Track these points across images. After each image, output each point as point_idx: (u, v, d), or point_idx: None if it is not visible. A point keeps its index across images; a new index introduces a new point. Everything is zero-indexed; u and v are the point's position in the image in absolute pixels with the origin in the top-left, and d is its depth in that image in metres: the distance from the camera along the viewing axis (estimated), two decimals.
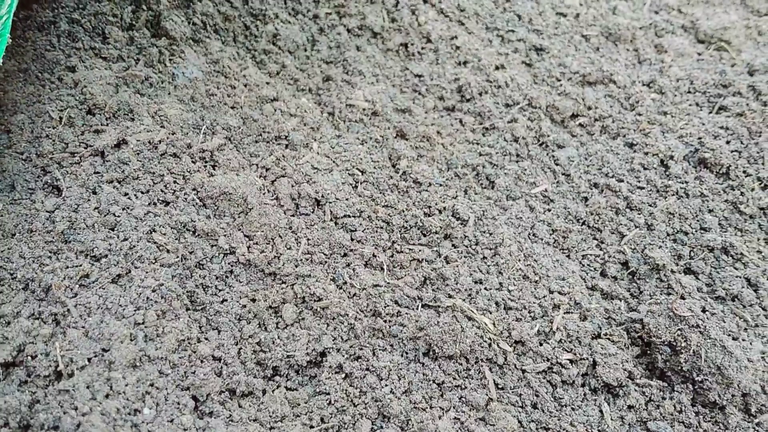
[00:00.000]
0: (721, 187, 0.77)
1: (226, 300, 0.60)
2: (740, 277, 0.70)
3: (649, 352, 0.62)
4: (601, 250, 0.71)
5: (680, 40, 0.98)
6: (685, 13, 1.05)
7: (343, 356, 0.58)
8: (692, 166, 0.78)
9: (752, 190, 0.76)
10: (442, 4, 0.96)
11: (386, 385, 0.56)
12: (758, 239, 0.73)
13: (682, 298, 0.67)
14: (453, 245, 0.68)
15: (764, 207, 0.75)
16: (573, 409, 0.58)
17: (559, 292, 0.66)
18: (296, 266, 0.63)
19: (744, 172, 0.78)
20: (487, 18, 0.98)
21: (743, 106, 0.85)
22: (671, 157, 0.78)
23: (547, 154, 0.79)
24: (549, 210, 0.74)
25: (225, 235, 0.63)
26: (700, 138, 0.79)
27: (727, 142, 0.79)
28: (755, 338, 0.65)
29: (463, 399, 0.57)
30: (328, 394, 0.55)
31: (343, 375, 0.57)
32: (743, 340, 0.65)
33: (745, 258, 0.71)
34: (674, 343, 0.60)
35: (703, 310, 0.66)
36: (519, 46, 0.95)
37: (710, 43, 0.99)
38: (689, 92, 0.89)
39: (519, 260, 0.67)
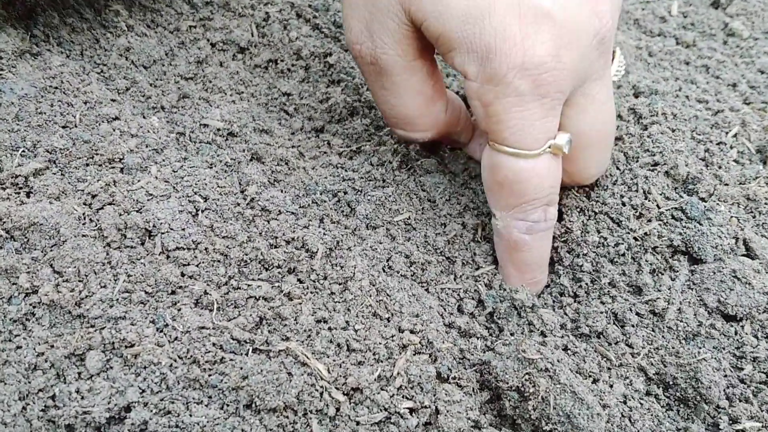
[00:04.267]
0: None
1: (20, 347, 0.53)
2: (605, 313, 0.66)
3: (498, 397, 0.57)
4: (458, 283, 0.66)
5: None
6: None
7: (150, 411, 0.51)
8: None
9: (628, 219, 0.73)
10: (317, 19, 0.91)
11: None
12: (627, 271, 0.69)
13: (543, 335, 0.63)
14: (298, 280, 0.62)
15: (638, 237, 0.71)
16: None
17: (411, 331, 0.60)
18: (110, 307, 0.56)
19: (621, 198, 0.74)
20: None
21: (622, 130, 0.82)
22: None
23: (414, 180, 0.74)
24: (409, 240, 0.69)
25: (28, 272, 0.56)
26: None
27: None
28: (617, 380, 0.61)
29: None
30: None
31: None
32: (604, 382, 0.61)
33: (612, 291, 0.68)
34: (522, 389, 0.55)
35: (565, 349, 0.62)
36: None
37: None
38: None
39: (370, 295, 0.62)
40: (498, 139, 0.60)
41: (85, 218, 0.61)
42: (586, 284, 0.68)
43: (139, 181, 0.65)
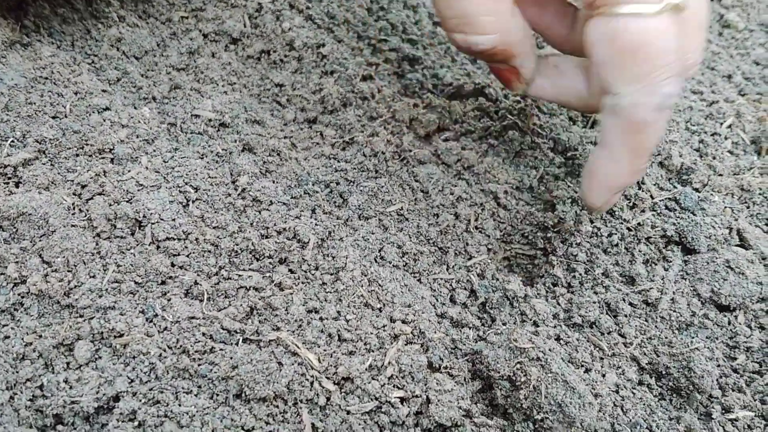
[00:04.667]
0: None
1: (8, 337, 0.52)
2: (598, 302, 0.66)
3: (490, 387, 0.57)
4: (450, 274, 0.66)
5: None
6: None
7: (139, 401, 0.51)
8: None
9: (621, 209, 0.73)
10: (311, 10, 0.91)
11: None
12: (620, 261, 0.69)
13: (535, 325, 0.63)
14: (289, 270, 0.62)
15: (632, 228, 0.71)
16: None
17: (403, 321, 0.60)
18: (99, 297, 0.55)
19: None
20: (359, 26, 0.92)
21: None
22: None
23: (407, 171, 0.74)
24: (401, 230, 0.69)
25: (16, 262, 0.56)
26: None
27: None
28: (609, 369, 0.61)
29: None
30: None
31: (136, 423, 0.50)
32: (596, 371, 0.60)
33: (605, 281, 0.67)
34: (513, 378, 0.54)
35: (558, 339, 0.62)
36: (391, 56, 0.90)
37: None
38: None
39: (362, 286, 0.62)
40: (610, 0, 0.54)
41: (74, 208, 0.60)
42: (580, 274, 0.68)
43: (129, 171, 0.65)
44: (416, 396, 0.54)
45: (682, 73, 0.56)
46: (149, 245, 0.60)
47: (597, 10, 0.55)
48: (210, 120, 0.74)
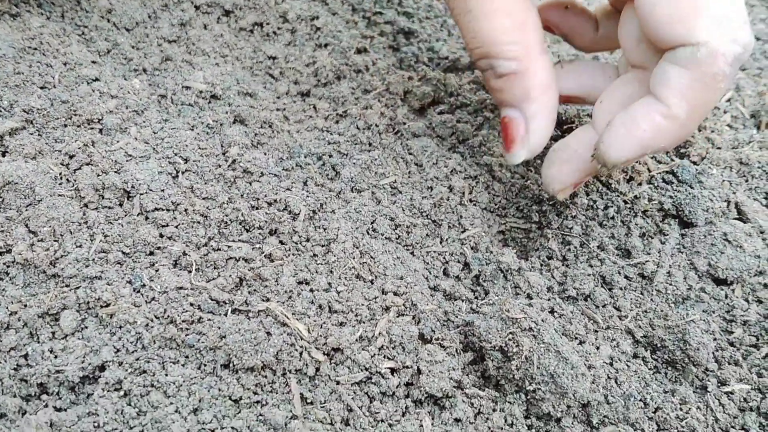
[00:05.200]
0: None
1: None
2: (593, 276, 0.65)
3: (482, 358, 0.56)
4: (443, 246, 0.65)
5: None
6: None
7: (125, 370, 0.50)
8: None
9: (618, 182, 0.72)
10: None
11: (171, 404, 0.49)
12: (616, 234, 0.68)
13: (529, 298, 0.62)
14: (280, 241, 0.61)
15: (628, 201, 0.70)
16: (390, 424, 0.52)
17: (395, 293, 0.59)
18: (86, 266, 0.54)
19: None
20: None
21: None
22: None
23: (401, 144, 0.73)
24: (395, 203, 0.68)
25: (2, 231, 0.55)
26: None
27: None
28: (603, 342, 0.60)
29: (261, 417, 0.49)
30: (98, 415, 0.47)
31: (122, 392, 0.49)
32: (590, 343, 0.59)
33: (601, 254, 0.66)
34: (505, 349, 0.54)
35: (552, 312, 0.61)
36: (386, 29, 0.88)
37: None
38: None
39: (354, 258, 0.61)
40: None
41: (61, 178, 0.59)
42: (575, 247, 0.67)
43: (118, 141, 0.64)
44: (407, 367, 0.53)
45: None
46: (137, 215, 0.59)
47: None
48: (201, 92, 0.73)
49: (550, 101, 0.61)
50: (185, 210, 0.60)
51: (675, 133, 0.57)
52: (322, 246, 0.61)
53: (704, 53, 0.53)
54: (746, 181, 0.74)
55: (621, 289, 0.64)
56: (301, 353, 0.52)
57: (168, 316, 0.53)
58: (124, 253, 0.57)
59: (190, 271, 0.57)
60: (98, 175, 0.60)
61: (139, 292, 0.54)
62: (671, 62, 0.55)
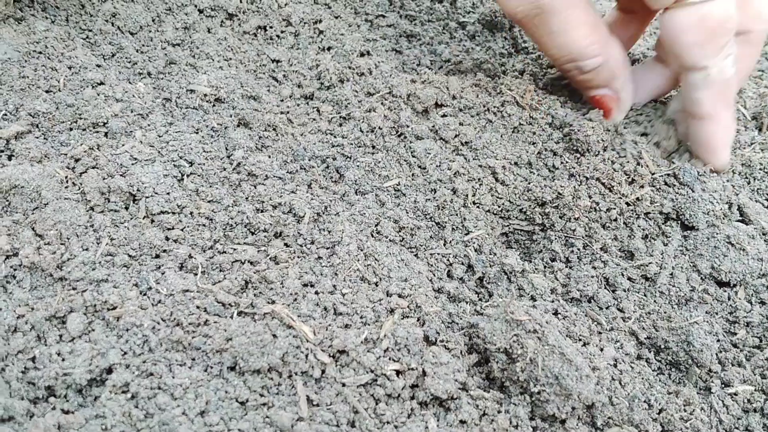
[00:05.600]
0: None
1: (0, 309, 0.52)
2: (596, 277, 0.65)
3: (486, 360, 0.56)
4: (447, 248, 0.65)
5: None
6: None
7: (132, 373, 0.50)
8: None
9: (620, 184, 0.72)
10: None
11: (178, 406, 0.49)
12: (619, 236, 0.68)
13: (533, 300, 0.62)
14: (285, 244, 0.62)
15: (631, 203, 0.70)
16: (396, 426, 0.52)
17: (399, 295, 0.59)
18: (92, 269, 0.55)
19: (612, 163, 0.73)
20: (356, 1, 0.91)
21: None
22: None
23: (405, 146, 0.73)
24: (398, 205, 0.68)
25: (9, 234, 0.55)
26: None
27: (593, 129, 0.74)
28: (608, 343, 0.61)
29: (268, 419, 0.50)
30: (105, 417, 0.47)
31: (129, 395, 0.49)
32: (595, 345, 0.60)
33: (604, 256, 0.67)
34: (510, 350, 0.54)
35: (556, 313, 0.61)
36: (388, 32, 0.89)
37: None
38: None
39: (358, 260, 0.61)
40: None
41: (67, 181, 0.60)
42: (578, 249, 0.67)
43: (123, 145, 0.64)
44: (412, 369, 0.54)
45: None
46: (143, 219, 0.60)
47: (680, 3, 0.66)
48: (205, 95, 0.73)
49: (627, 70, 0.75)
50: (191, 213, 0.61)
51: (734, 128, 0.75)
52: (327, 248, 0.61)
53: (715, 72, 0.68)
54: (748, 183, 0.74)
55: (624, 290, 0.65)
56: (306, 355, 0.53)
57: (174, 319, 0.53)
58: (130, 256, 0.57)
59: (196, 274, 0.57)
60: (104, 179, 0.61)
61: (145, 294, 0.55)
62: (692, 84, 0.71)
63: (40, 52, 0.71)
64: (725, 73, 0.68)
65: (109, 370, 0.50)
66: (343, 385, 0.52)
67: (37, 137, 0.63)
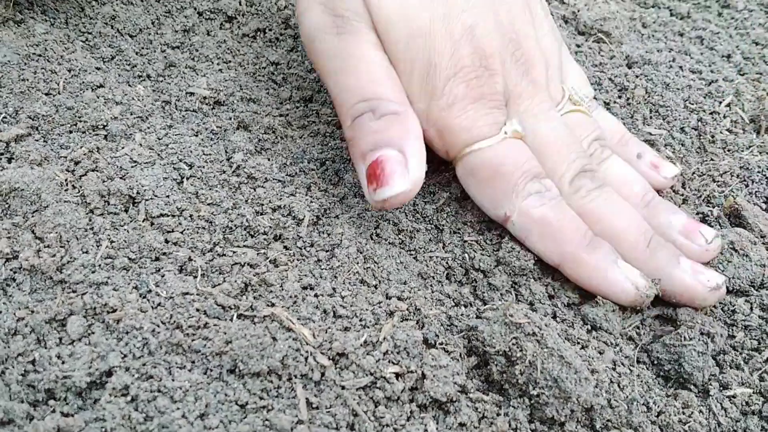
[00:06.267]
0: None
1: (0, 312, 0.52)
2: None
3: (486, 362, 0.57)
4: (446, 252, 0.66)
5: (560, 32, 0.94)
6: (567, 3, 1.01)
7: (132, 376, 0.50)
8: None
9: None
10: None
11: (178, 409, 0.49)
12: None
13: (531, 304, 0.62)
14: (284, 247, 0.62)
15: None
16: (395, 429, 0.52)
17: (398, 298, 0.60)
18: (92, 272, 0.55)
19: None
20: None
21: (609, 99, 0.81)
22: None
23: None
24: (397, 208, 0.68)
25: (8, 237, 0.55)
26: None
27: None
28: (606, 347, 0.61)
29: (268, 422, 0.50)
30: (105, 420, 0.48)
31: (129, 398, 0.49)
32: (593, 348, 0.60)
33: None
34: (509, 353, 0.54)
35: (554, 317, 0.62)
36: None
37: (590, 34, 0.96)
38: None
39: (357, 263, 0.61)
40: (458, 147, 0.63)
41: (67, 184, 0.60)
42: None
43: (123, 148, 0.64)
44: (411, 371, 0.54)
45: (541, 173, 0.63)
46: (143, 221, 0.60)
47: (455, 157, 0.64)
48: (205, 98, 0.74)
49: (422, 146, 0.61)
50: (190, 216, 0.61)
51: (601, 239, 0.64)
52: (326, 251, 0.62)
53: (516, 220, 0.63)
54: (746, 186, 0.74)
55: None
56: (306, 358, 0.53)
57: (174, 322, 0.53)
58: (130, 258, 0.57)
59: (195, 277, 0.57)
60: (103, 181, 0.61)
61: (145, 297, 0.55)
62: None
63: (40, 55, 0.72)
64: (534, 213, 0.61)
65: (109, 373, 0.50)
66: (343, 387, 0.52)
67: (37, 140, 0.63)
